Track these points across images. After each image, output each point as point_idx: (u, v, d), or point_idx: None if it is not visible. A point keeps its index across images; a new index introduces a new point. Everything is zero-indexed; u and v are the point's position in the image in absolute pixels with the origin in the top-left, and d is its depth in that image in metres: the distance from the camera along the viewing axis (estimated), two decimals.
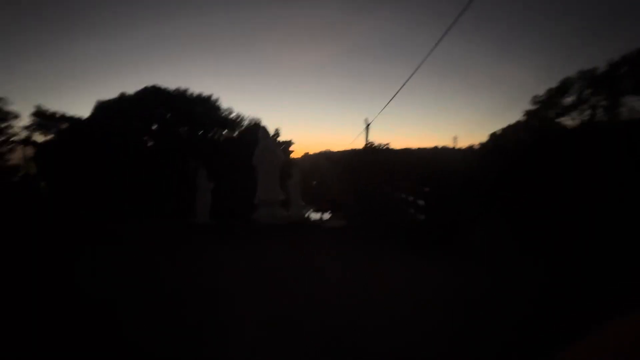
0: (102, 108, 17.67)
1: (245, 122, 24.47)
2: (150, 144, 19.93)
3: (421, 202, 9.58)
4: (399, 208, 11.76)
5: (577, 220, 8.70)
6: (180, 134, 20.10)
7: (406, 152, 25.80)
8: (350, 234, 9.03)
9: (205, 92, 22.88)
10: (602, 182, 8.32)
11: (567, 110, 9.68)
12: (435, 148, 25.35)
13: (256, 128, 10.73)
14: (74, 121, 17.68)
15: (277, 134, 21.05)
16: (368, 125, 16.35)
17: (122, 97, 18.60)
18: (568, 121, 9.84)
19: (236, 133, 20.51)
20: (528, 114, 10.78)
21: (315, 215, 15.17)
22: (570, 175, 9.66)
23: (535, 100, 10.55)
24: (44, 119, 17.48)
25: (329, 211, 14.77)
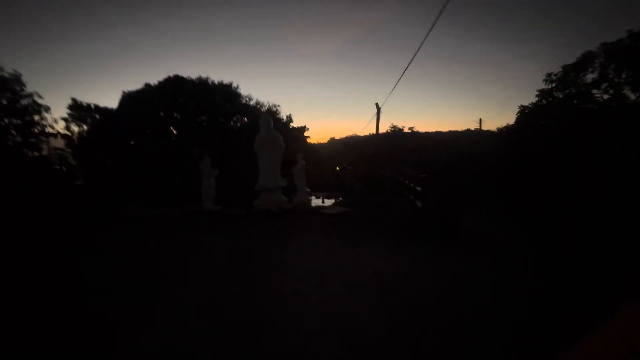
0: (129, 99, 18.80)
1: (264, 109, 24.87)
2: (174, 132, 20.99)
3: (420, 190, 9.35)
4: (402, 195, 11.55)
5: (590, 209, 8.12)
6: (200, 122, 20.91)
7: (426, 136, 24.81)
8: (347, 222, 9.11)
9: (226, 80, 23.46)
10: (618, 175, 7.55)
11: (587, 88, 8.72)
12: (456, 132, 24.07)
13: (266, 114, 10.90)
14: (105, 112, 19.01)
15: (289, 119, 21.16)
16: (379, 109, 15.92)
17: (147, 88, 19.60)
18: (588, 101, 8.88)
19: (248, 120, 20.91)
20: (541, 94, 9.86)
21: (322, 202, 15.30)
22: (586, 163, 8.86)
23: (549, 78, 9.61)
24: (78, 110, 18.96)
25: (338, 197, 14.82)
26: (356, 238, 7.33)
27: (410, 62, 29.09)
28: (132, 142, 17.88)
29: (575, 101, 8.93)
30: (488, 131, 21.93)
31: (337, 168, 23.11)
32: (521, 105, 10.70)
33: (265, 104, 24.10)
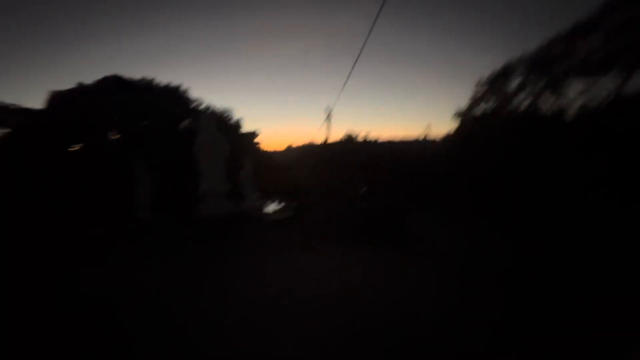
0: (57, 99, 17.01)
1: (217, 112, 24.03)
2: (111, 137, 19.35)
3: (364, 195, 9.49)
4: (350, 200, 11.63)
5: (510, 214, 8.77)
6: (143, 126, 19.54)
7: (378, 144, 25.64)
8: (290, 227, 8.91)
9: (174, 82, 22.30)
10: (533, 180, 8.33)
11: (509, 96, 9.56)
12: (409, 141, 25.18)
13: (206, 114, 10.33)
14: (30, 113, 17.00)
15: (237, 123, 20.69)
16: (329, 114, 16.11)
17: (80, 87, 17.92)
18: (510, 108, 9.73)
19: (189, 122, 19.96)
20: (473, 100, 10.64)
21: (271, 207, 14.96)
22: (504, 169, 9.58)
23: (478, 85, 10.43)
24: (2, 113, 16.78)
25: (290, 202, 14.59)
26: (297, 244, 7.14)
27: (354, 64, 29.95)
28: (55, 147, 16.08)
29: (501, 109, 9.69)
30: (433, 141, 23.17)
31: (292, 174, 22.88)
32: (456, 112, 11.47)
33: (217, 107, 23.34)
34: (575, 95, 8.54)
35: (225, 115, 22.94)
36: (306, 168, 21.47)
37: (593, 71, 7.98)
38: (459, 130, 12.09)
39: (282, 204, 14.01)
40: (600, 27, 7.96)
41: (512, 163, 9.52)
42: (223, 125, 21.39)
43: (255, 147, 21.98)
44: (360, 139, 29.90)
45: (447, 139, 15.36)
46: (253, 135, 21.48)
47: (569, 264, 5.39)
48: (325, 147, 20.07)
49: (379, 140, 26.44)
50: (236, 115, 23.12)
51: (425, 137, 27.77)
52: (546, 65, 8.55)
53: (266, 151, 27.32)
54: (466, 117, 10.89)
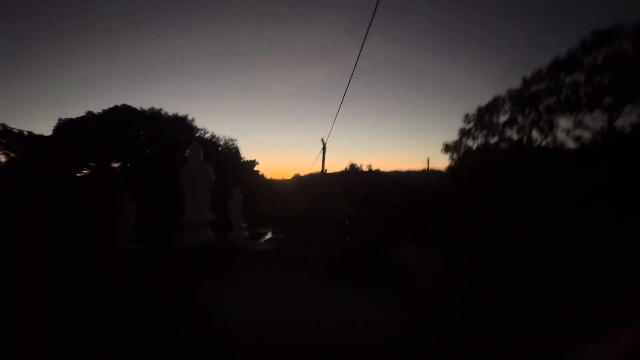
0: (66, 127, 17.76)
1: (221, 142, 24.61)
2: (118, 165, 19.87)
3: (351, 227, 9.21)
4: (333, 232, 11.33)
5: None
6: (148, 155, 20.05)
7: (381, 174, 25.51)
8: (272, 259, 8.63)
9: (181, 113, 23.15)
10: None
11: (502, 128, 9.45)
12: (413, 171, 25.05)
13: (195, 144, 10.47)
14: (37, 140, 17.72)
15: (235, 151, 21.02)
16: (324, 145, 16.21)
17: (89, 116, 18.73)
18: (500, 142, 9.59)
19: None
20: (461, 132, 10.55)
21: (262, 237, 14.70)
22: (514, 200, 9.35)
23: (467, 118, 10.36)
24: (8, 137, 17.54)
25: (281, 233, 14.32)
26: (272, 279, 6.86)
27: (345, 92, 30.60)
28: (63, 174, 16.54)
29: (492, 141, 9.56)
30: (437, 171, 23.16)
31: (291, 203, 22.76)
32: (445, 145, 11.37)
33: (221, 137, 23.92)
34: (563, 131, 8.46)
35: (226, 144, 23.46)
36: (305, 198, 21.36)
37: (579, 108, 7.85)
38: (452, 164, 11.94)
39: (272, 234, 13.76)
40: (581, 64, 7.94)
41: (502, 197, 9.26)
42: (219, 154, 21.77)
43: (254, 176, 22.15)
44: (364, 169, 29.94)
45: (445, 172, 15.21)
46: (253, 163, 21.73)
47: (566, 299, 5.04)
48: (324, 177, 20.01)
49: (381, 170, 26.33)
50: (240, 145, 23.60)
51: (428, 169, 27.61)
52: (531, 101, 8.49)
53: (268, 180, 27.48)
54: (456, 150, 10.78)
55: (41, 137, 17.50)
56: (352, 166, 28.98)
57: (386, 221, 12.73)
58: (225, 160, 21.69)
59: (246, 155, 24.14)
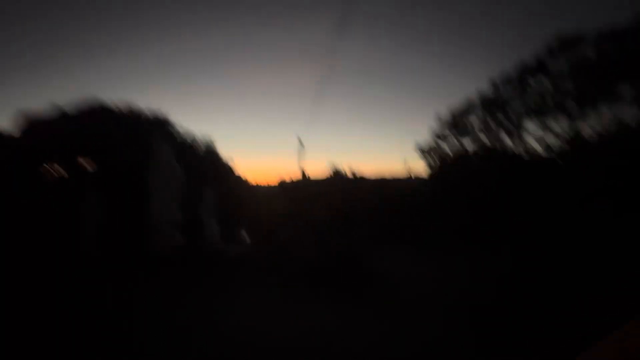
0: (34, 124, 16.97)
1: (202, 144, 24.08)
2: (89, 165, 19.10)
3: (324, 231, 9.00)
4: (314, 236, 11.10)
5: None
6: (122, 156, 19.36)
7: (360, 180, 25.44)
8: (239, 264, 8.34)
9: (161, 113, 22.56)
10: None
11: (471, 134, 9.53)
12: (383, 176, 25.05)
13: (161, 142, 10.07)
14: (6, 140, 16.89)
15: (216, 153, 20.58)
16: (302, 144, 16.08)
17: (61, 114, 17.94)
18: (475, 147, 9.66)
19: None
20: (435, 135, 10.59)
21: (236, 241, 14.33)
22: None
23: (440, 120, 10.43)
24: None
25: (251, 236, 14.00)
26: (236, 286, 6.56)
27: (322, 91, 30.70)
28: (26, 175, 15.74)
29: (467, 146, 9.60)
30: (419, 177, 23.19)
31: (271, 208, 22.39)
32: (418, 147, 11.38)
33: (203, 139, 23.40)
34: (532, 135, 8.58)
35: (208, 147, 22.96)
36: (287, 203, 21.07)
37: (547, 112, 8.00)
38: (431, 169, 11.96)
39: (247, 238, 13.42)
40: (547, 69, 8.11)
41: (479, 203, 9.26)
42: (199, 157, 21.28)
43: (235, 179, 21.72)
44: (348, 174, 29.79)
45: (425, 178, 15.25)
46: (231, 166, 21.30)
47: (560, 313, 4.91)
48: (305, 182, 19.80)
49: (364, 177, 26.22)
50: (225, 149, 23.08)
51: (409, 174, 27.75)
52: (501, 105, 8.61)
53: (251, 185, 27.09)
54: (429, 154, 10.81)
55: (7, 137, 16.71)
56: (336, 172, 28.81)
57: (367, 228, 12.60)
58: (206, 162, 21.22)
59: (232, 160, 23.67)
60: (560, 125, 8.06)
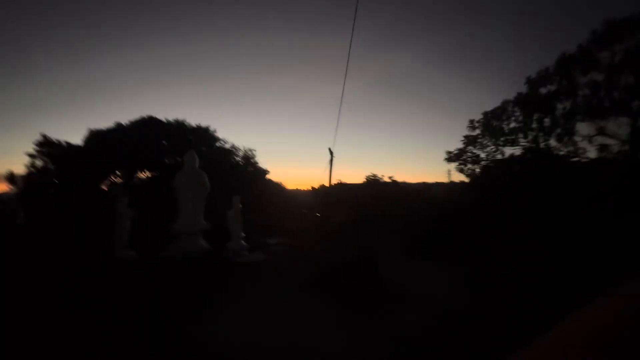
0: (97, 137, 19.01)
1: (240, 152, 25.11)
2: (143, 174, 20.88)
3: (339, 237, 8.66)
4: (333, 244, 10.77)
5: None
6: (171, 165, 20.85)
7: (396, 185, 24.40)
8: (260, 271, 8.34)
9: (203, 123, 24.00)
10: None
11: (510, 134, 8.45)
12: (440, 184, 23.72)
13: (191, 152, 10.55)
14: (70, 149, 19.12)
15: (254, 161, 21.15)
16: (332, 154, 15.82)
17: (117, 127, 19.91)
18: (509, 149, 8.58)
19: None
20: (466, 140, 9.61)
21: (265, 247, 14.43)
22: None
23: (472, 125, 9.44)
24: (47, 146, 19.14)
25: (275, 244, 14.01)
26: (253, 296, 6.54)
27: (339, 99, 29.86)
28: (91, 182, 17.65)
29: (502, 149, 8.62)
30: (459, 183, 21.70)
31: (307, 215, 22.43)
32: (448, 155, 10.45)
33: (241, 147, 24.37)
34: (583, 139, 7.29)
35: (246, 154, 23.83)
36: (317, 209, 21.01)
37: (600, 114, 6.69)
38: (466, 175, 10.98)
39: (274, 245, 13.49)
40: (598, 61, 6.81)
41: (519, 209, 8.24)
42: (236, 164, 22.09)
43: (268, 185, 22.17)
44: (386, 179, 28.90)
45: (469, 185, 14.17)
46: (264, 172, 21.81)
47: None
48: (335, 189, 19.54)
49: (403, 182, 25.23)
50: (261, 156, 23.84)
51: (449, 181, 26.08)
52: (540, 104, 7.48)
53: (285, 190, 27.48)
54: (460, 159, 9.85)
55: (74, 146, 18.92)
56: (373, 177, 28.07)
57: (393, 234, 11.97)
58: (240, 170, 22.03)
59: (268, 166, 24.32)
60: (617, 124, 6.79)
